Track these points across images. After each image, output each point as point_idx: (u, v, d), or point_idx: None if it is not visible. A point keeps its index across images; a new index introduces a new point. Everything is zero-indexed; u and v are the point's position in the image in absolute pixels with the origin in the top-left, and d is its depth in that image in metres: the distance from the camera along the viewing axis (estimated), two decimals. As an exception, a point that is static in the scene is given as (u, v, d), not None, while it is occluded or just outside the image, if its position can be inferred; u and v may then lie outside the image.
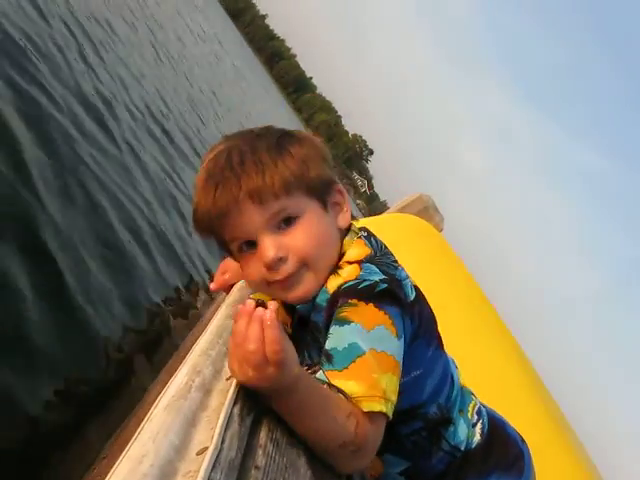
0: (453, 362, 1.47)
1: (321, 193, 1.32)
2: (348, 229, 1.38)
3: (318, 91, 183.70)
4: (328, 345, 1.15)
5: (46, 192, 2.60)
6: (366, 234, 1.38)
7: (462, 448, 1.36)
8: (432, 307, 1.42)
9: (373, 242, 1.35)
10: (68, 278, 2.42)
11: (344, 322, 1.15)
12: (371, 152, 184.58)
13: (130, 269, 3.10)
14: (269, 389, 0.98)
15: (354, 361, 1.10)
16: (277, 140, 1.31)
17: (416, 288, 1.33)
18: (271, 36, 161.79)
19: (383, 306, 1.17)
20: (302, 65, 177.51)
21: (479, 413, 1.45)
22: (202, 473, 0.71)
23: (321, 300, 1.27)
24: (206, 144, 8.24)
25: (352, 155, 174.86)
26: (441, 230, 3.69)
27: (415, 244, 3.14)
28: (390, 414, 1.12)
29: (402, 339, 1.19)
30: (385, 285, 1.19)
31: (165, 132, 6.48)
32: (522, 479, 1.44)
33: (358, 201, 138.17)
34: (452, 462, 1.36)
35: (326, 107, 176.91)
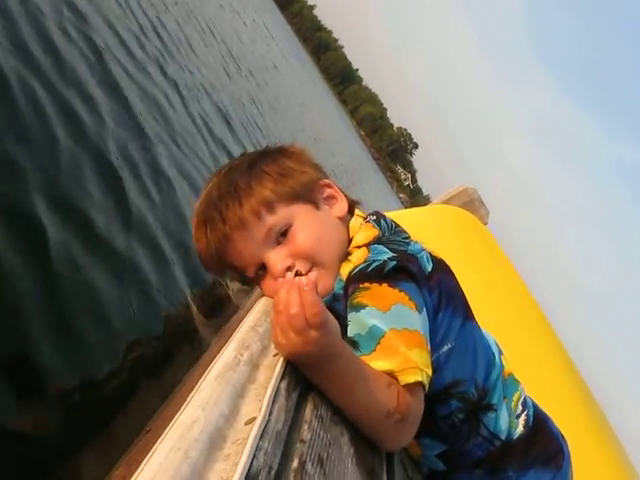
0: (496, 345, 1.46)
1: (306, 195, 1.37)
2: (352, 215, 1.42)
3: (364, 83, 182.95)
4: (350, 332, 1.15)
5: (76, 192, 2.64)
6: (375, 217, 1.41)
7: (503, 437, 1.35)
8: (476, 300, 1.41)
9: (382, 223, 1.38)
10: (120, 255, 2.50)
11: (360, 307, 1.16)
12: (416, 146, 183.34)
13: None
14: (314, 356, 0.99)
15: (379, 343, 1.11)
16: (249, 165, 1.38)
17: (435, 260, 1.32)
18: (318, 27, 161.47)
19: (397, 283, 1.17)
20: (349, 56, 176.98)
21: (524, 404, 1.43)
22: (251, 441, 0.73)
23: (338, 289, 1.30)
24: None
25: (396, 148, 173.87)
26: (486, 223, 3.66)
27: (460, 236, 3.12)
28: (426, 383, 1.12)
29: (424, 312, 1.19)
30: (395, 262, 1.20)
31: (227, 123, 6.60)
32: (559, 475, 1.42)
33: (401, 194, 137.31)
34: (491, 450, 1.34)
35: (372, 99, 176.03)
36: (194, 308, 2.95)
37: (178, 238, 3.24)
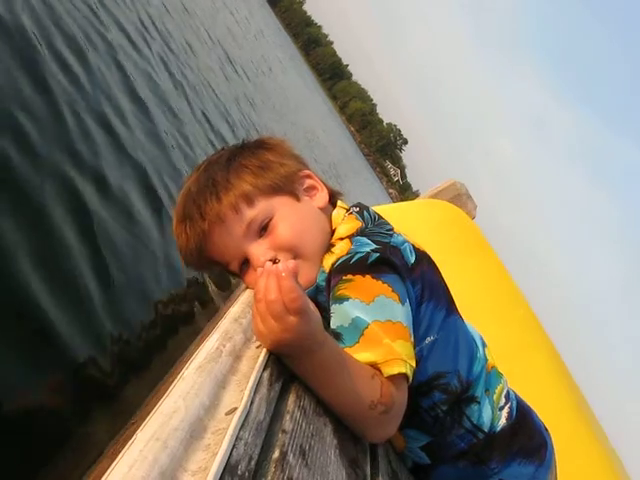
0: (481, 339, 1.47)
1: (286, 187, 1.37)
2: (334, 207, 1.43)
3: (354, 79, 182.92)
4: (333, 324, 1.16)
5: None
6: (358, 209, 1.41)
7: (486, 430, 1.35)
8: (462, 293, 1.41)
9: (365, 215, 1.38)
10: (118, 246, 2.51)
11: (343, 299, 1.16)
12: (405, 141, 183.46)
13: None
14: (294, 343, 0.99)
15: (363, 334, 1.11)
16: (227, 159, 1.38)
17: (418, 252, 1.33)
18: (308, 22, 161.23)
19: (380, 275, 1.17)
20: (338, 52, 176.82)
21: (507, 397, 1.44)
22: (231, 431, 0.73)
23: (321, 280, 1.30)
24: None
25: (386, 144, 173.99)
26: (473, 218, 3.67)
27: (448, 230, 3.13)
28: (410, 374, 1.12)
29: (407, 304, 1.19)
30: (377, 254, 1.20)
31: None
32: (543, 467, 1.43)
33: (391, 190, 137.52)
34: (474, 442, 1.35)
35: (361, 95, 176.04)
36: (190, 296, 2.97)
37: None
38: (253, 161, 1.37)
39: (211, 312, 2.86)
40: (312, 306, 1.00)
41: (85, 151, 2.89)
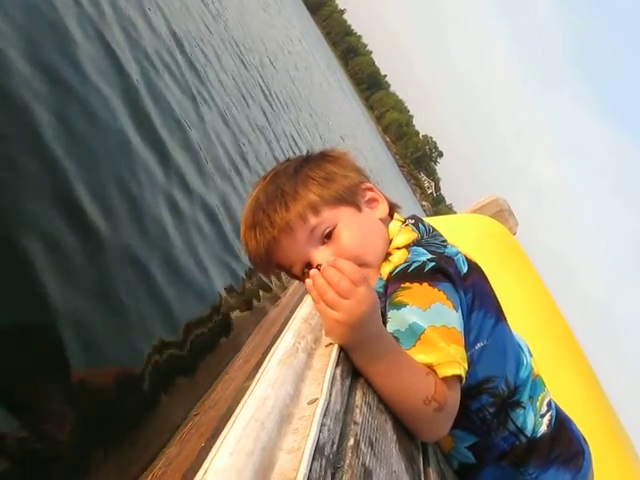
0: (527, 347, 1.54)
1: (349, 198, 1.45)
2: (392, 218, 1.51)
3: (391, 89, 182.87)
4: (390, 328, 1.22)
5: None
6: (413, 221, 1.49)
7: (528, 434, 1.42)
8: (505, 306, 1.48)
9: (421, 227, 1.46)
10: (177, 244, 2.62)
11: (400, 305, 1.23)
12: (440, 154, 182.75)
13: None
14: (369, 319, 1.10)
15: (419, 338, 1.18)
16: (294, 170, 1.46)
17: (470, 262, 1.40)
18: (348, 31, 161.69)
19: (436, 283, 1.25)
20: (377, 62, 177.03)
21: (549, 405, 1.51)
22: (317, 418, 0.82)
23: (378, 287, 1.36)
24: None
25: (421, 156, 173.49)
26: (515, 234, 3.71)
27: (490, 245, 3.17)
28: (464, 376, 1.19)
29: (460, 311, 1.26)
30: (433, 264, 1.27)
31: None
32: (579, 475, 1.50)
33: (424, 202, 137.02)
34: (516, 444, 1.42)
35: (398, 106, 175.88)
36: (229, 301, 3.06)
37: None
38: (319, 172, 1.45)
39: (260, 310, 2.97)
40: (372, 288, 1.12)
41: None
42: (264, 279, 3.36)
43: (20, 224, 1.86)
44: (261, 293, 3.40)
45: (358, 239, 1.40)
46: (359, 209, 1.46)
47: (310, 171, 1.46)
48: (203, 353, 2.41)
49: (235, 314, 2.95)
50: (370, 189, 1.52)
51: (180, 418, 1.79)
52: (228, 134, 5.33)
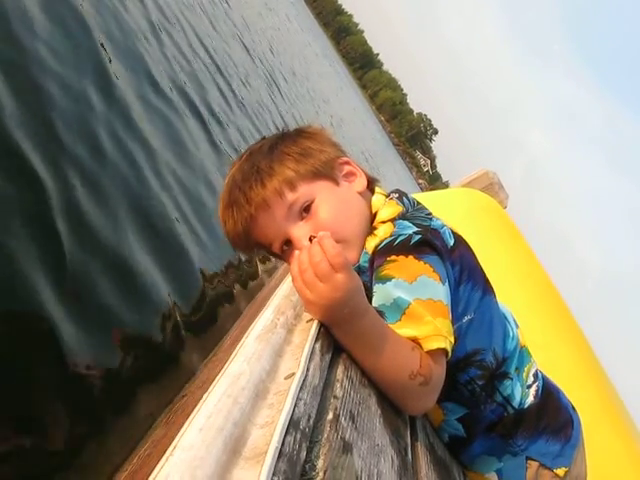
0: (513, 319, 1.54)
1: (326, 172, 1.43)
2: (373, 192, 1.49)
3: (384, 68, 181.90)
4: (375, 303, 1.21)
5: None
6: (397, 195, 1.47)
7: (515, 405, 1.43)
8: (494, 281, 1.48)
9: (405, 200, 1.44)
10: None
11: (386, 279, 1.22)
12: (435, 131, 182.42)
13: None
14: (344, 304, 1.07)
15: (404, 312, 1.18)
16: (270, 147, 1.45)
17: (456, 235, 1.40)
18: (339, 11, 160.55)
19: (421, 256, 1.24)
20: (369, 41, 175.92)
21: (535, 376, 1.51)
22: (292, 392, 0.81)
23: (363, 262, 1.36)
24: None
25: (416, 134, 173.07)
26: (505, 207, 3.71)
27: (480, 219, 3.17)
28: (449, 349, 1.19)
29: (447, 284, 1.26)
30: (419, 236, 1.26)
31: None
32: (569, 445, 1.50)
33: (420, 180, 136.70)
34: (504, 415, 1.43)
35: (392, 84, 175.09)
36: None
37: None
38: (294, 148, 1.43)
39: (249, 291, 2.97)
40: (354, 272, 1.10)
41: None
42: (253, 262, 3.35)
43: None
44: (251, 275, 3.40)
45: (336, 212, 1.39)
46: (337, 183, 1.44)
47: (285, 147, 1.44)
48: (193, 336, 2.40)
49: (226, 296, 2.94)
50: (347, 163, 1.50)
51: (169, 401, 1.79)
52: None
